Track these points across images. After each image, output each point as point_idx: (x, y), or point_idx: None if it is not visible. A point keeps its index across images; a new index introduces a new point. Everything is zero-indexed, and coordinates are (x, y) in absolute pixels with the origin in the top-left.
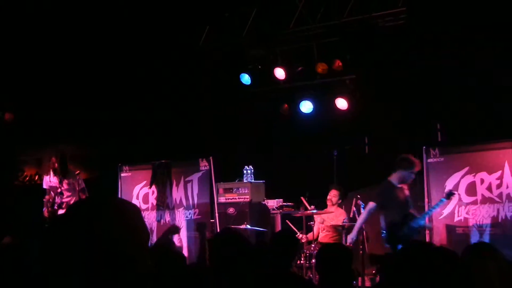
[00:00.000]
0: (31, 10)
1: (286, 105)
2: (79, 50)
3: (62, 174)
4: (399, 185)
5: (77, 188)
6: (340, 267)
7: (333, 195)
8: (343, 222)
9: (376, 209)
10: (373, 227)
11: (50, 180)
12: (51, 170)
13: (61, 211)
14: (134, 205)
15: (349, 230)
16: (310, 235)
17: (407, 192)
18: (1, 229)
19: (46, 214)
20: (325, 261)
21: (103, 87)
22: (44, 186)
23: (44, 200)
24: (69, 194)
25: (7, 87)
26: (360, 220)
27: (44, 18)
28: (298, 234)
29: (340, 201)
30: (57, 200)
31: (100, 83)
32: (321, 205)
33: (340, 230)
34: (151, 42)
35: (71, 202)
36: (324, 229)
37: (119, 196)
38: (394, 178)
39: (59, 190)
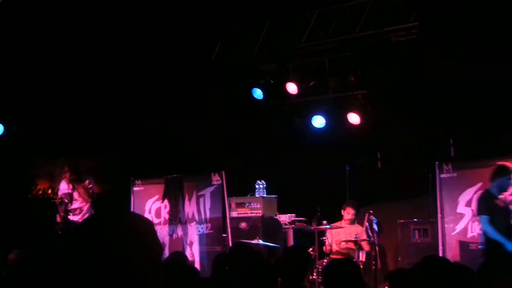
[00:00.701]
0: (48, 23)
1: (298, 120)
2: (92, 64)
3: (75, 181)
4: (499, 195)
5: (89, 193)
6: (347, 282)
7: (351, 214)
8: (356, 237)
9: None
10: (384, 243)
11: (64, 187)
12: (64, 177)
13: (72, 217)
14: (147, 220)
15: (362, 245)
16: (325, 248)
17: (505, 201)
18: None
19: (58, 219)
20: (332, 276)
21: (116, 101)
22: (59, 193)
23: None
24: (81, 200)
25: (19, 100)
26: (499, 238)
27: (57, 32)
28: (310, 249)
29: (354, 215)
30: (70, 206)
31: (112, 97)
32: (334, 220)
33: (354, 245)
34: (164, 56)
35: (84, 208)
36: (339, 244)
37: (132, 210)
38: (493, 188)
39: (72, 196)
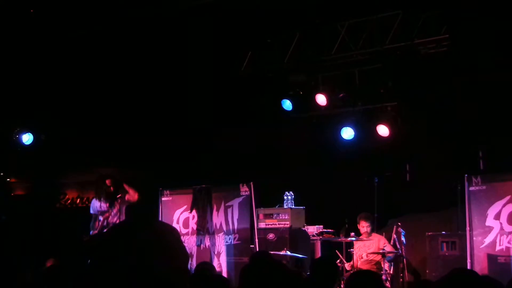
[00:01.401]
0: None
1: (327, 131)
2: (124, 75)
3: (114, 198)
4: None
5: (122, 209)
6: None
7: (366, 226)
8: (383, 249)
9: None
10: (412, 255)
11: (100, 206)
12: (102, 194)
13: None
14: (174, 229)
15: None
16: (349, 265)
17: None
18: (45, 251)
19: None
20: None
21: (146, 111)
22: (92, 211)
23: (95, 225)
24: (117, 216)
25: (49, 109)
26: None
27: (89, 43)
28: (337, 261)
29: (370, 228)
30: (105, 223)
31: (142, 107)
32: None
33: (380, 257)
34: (195, 67)
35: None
36: (362, 257)
37: (160, 220)
38: None
39: (107, 214)
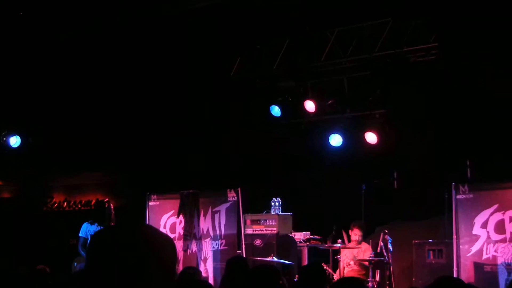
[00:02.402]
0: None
1: (315, 138)
2: (110, 79)
3: (110, 220)
4: None
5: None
6: None
7: (358, 235)
8: (370, 257)
9: None
10: (398, 263)
11: (92, 229)
12: (104, 217)
13: None
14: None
15: (376, 265)
16: (336, 274)
17: None
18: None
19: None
20: None
21: (132, 115)
22: (83, 235)
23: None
24: None
25: (36, 113)
26: None
27: (78, 47)
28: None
29: (361, 235)
30: None
31: (129, 111)
32: (349, 240)
33: (367, 266)
34: (183, 72)
35: None
36: (349, 264)
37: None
38: None
39: None
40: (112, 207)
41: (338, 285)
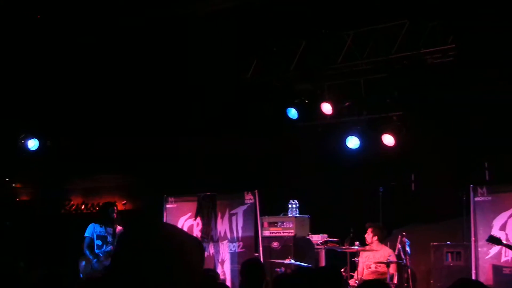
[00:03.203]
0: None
1: (332, 140)
2: (128, 81)
3: (117, 222)
4: None
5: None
6: None
7: (367, 234)
8: (388, 259)
9: None
10: (416, 266)
11: (98, 230)
12: (108, 218)
13: (105, 261)
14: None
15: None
16: (354, 277)
17: None
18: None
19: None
20: None
21: (150, 118)
22: (89, 235)
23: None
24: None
25: (54, 117)
26: None
27: (97, 49)
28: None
29: (376, 237)
30: (108, 249)
31: (147, 114)
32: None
33: (386, 268)
34: (199, 74)
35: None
36: (370, 267)
37: None
38: None
39: (108, 239)
40: (115, 209)
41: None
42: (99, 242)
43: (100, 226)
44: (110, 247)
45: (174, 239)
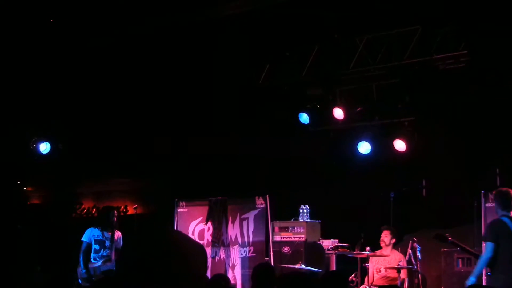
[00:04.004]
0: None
1: (344, 145)
2: (140, 85)
3: (116, 227)
4: None
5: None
6: None
7: (384, 235)
8: (398, 265)
9: None
10: (427, 271)
11: (97, 234)
12: (107, 223)
13: (104, 266)
14: (194, 241)
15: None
16: (365, 282)
17: None
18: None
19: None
20: None
21: (163, 122)
22: (86, 240)
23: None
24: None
25: (66, 120)
26: None
27: (107, 53)
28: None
29: (394, 240)
30: (105, 253)
31: (160, 118)
32: (377, 247)
33: (396, 273)
34: (211, 79)
35: (112, 256)
36: (380, 271)
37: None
38: None
39: (106, 244)
40: (115, 213)
41: None
42: (97, 247)
43: (99, 230)
44: (107, 251)
45: (179, 244)
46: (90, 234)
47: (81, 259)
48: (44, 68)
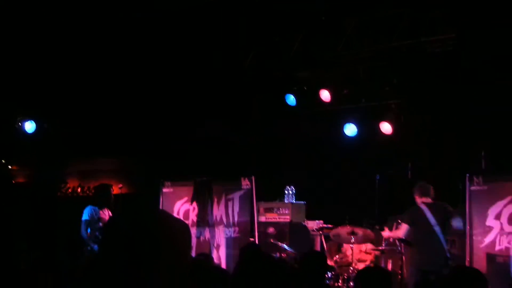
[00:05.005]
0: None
1: (330, 127)
2: (125, 66)
3: (110, 204)
4: None
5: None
6: None
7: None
8: (384, 246)
9: None
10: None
11: (97, 212)
12: (107, 200)
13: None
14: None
15: (388, 255)
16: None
17: None
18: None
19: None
20: (364, 285)
21: (149, 103)
22: (87, 218)
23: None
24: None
25: (52, 99)
26: None
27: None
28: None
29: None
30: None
31: (145, 98)
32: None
33: (378, 254)
34: (199, 60)
35: None
36: (363, 252)
37: None
38: None
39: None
40: (112, 192)
41: (361, 275)
42: (99, 225)
43: (99, 209)
44: None
45: (164, 224)
46: (92, 212)
47: (85, 237)
48: (30, 46)
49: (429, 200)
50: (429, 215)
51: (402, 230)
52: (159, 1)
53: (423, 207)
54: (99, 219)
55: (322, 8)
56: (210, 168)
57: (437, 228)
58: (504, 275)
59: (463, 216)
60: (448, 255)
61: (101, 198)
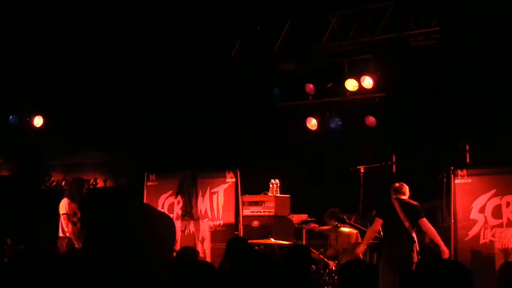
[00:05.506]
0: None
1: (314, 120)
2: (113, 59)
3: (83, 198)
4: None
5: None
6: (364, 284)
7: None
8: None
9: None
10: None
11: (72, 206)
12: (81, 195)
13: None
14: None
15: (373, 248)
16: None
17: None
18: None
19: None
20: (348, 279)
21: (133, 95)
22: (65, 212)
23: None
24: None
25: (38, 92)
26: None
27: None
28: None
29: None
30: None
31: (130, 92)
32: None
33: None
34: (183, 52)
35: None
36: (346, 245)
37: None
38: None
39: (78, 216)
40: (86, 186)
41: (345, 268)
42: (75, 219)
43: (73, 203)
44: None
45: (148, 217)
46: (68, 206)
47: (64, 229)
48: (13, 40)
49: (403, 197)
50: (398, 209)
51: (377, 224)
52: None
53: (395, 202)
54: (75, 213)
55: (306, 0)
56: (195, 162)
57: (406, 223)
58: (488, 268)
59: (448, 210)
60: (417, 249)
61: (75, 192)
